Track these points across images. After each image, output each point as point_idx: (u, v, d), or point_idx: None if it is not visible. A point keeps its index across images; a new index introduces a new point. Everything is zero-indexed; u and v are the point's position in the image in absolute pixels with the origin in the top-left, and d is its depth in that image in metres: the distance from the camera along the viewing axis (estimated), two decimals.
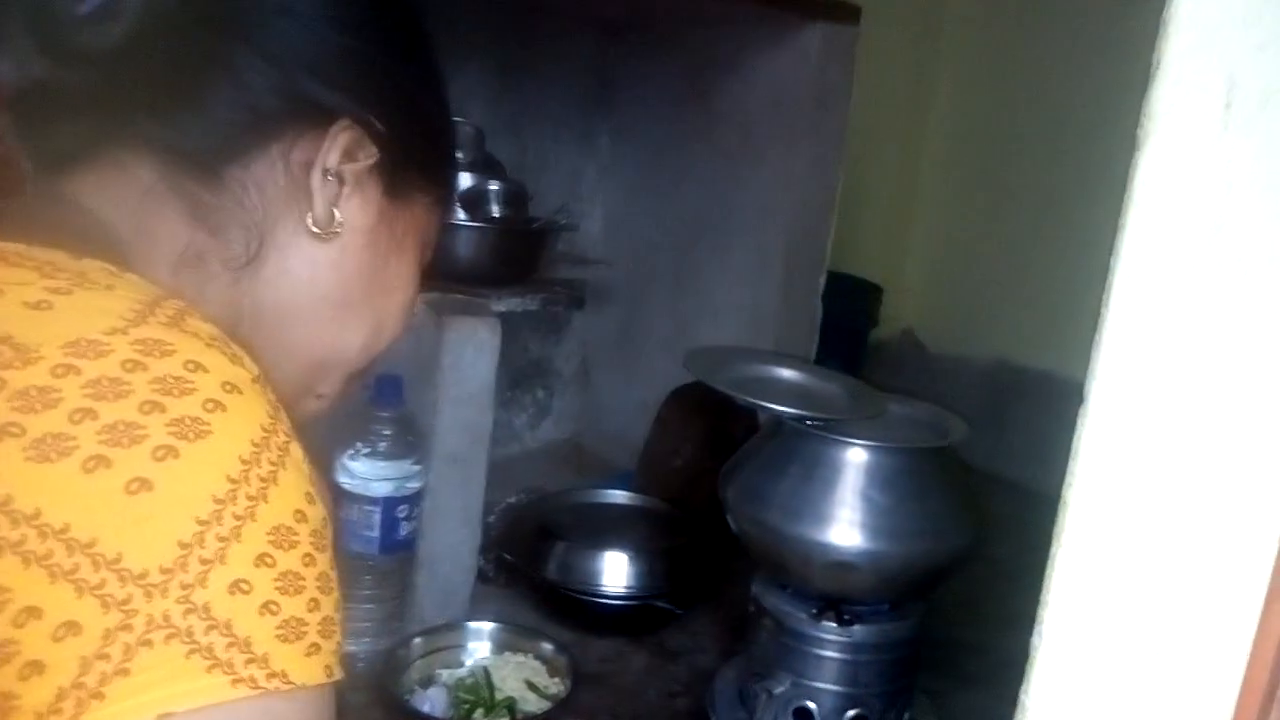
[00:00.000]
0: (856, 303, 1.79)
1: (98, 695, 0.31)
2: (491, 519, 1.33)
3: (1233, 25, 0.38)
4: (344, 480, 1.03)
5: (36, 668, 0.30)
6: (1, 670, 0.30)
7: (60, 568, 0.31)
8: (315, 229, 0.49)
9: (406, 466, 1.04)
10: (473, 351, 1.12)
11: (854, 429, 0.87)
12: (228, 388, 0.36)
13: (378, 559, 1.05)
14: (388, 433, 1.03)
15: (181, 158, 0.46)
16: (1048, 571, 0.44)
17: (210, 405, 0.35)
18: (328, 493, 0.62)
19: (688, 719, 1.05)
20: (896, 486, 0.84)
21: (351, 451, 1.03)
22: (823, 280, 1.53)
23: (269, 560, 0.35)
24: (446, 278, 1.17)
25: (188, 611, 0.32)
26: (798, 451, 0.88)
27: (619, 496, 1.35)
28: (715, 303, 1.58)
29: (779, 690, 0.90)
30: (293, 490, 0.37)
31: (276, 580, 0.35)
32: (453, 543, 1.15)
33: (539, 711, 0.98)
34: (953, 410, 0.95)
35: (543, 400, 1.80)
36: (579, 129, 1.73)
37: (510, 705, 0.99)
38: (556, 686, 1.03)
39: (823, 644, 0.88)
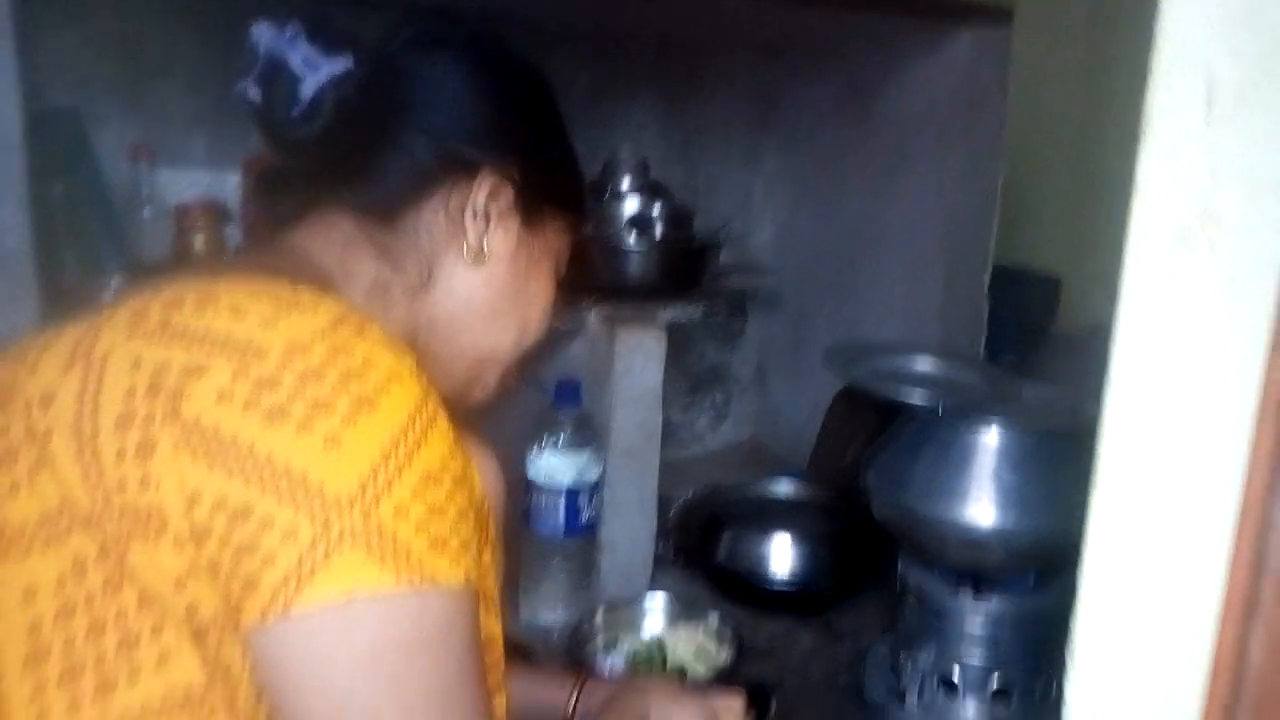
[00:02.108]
0: (1031, 297, 1.78)
1: (309, 579, 0.44)
2: (671, 511, 1.46)
3: (1210, 35, 0.44)
4: (533, 474, 1.18)
5: (270, 559, 0.44)
6: (249, 560, 0.45)
7: (284, 492, 0.45)
8: (469, 258, 0.64)
9: (585, 460, 1.18)
10: (642, 358, 1.25)
11: (985, 413, 0.92)
12: (392, 376, 0.50)
13: (563, 542, 1.19)
14: (568, 430, 1.17)
15: (369, 212, 0.62)
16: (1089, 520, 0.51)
17: (379, 388, 0.49)
18: (498, 470, 0.77)
19: (848, 693, 1.12)
20: (1024, 467, 0.88)
21: (538, 448, 1.18)
22: (987, 278, 1.54)
23: (421, 493, 0.48)
24: (618, 293, 1.31)
25: (366, 526, 0.45)
26: (931, 436, 0.94)
27: (786, 489, 1.44)
28: (879, 305, 1.64)
29: (924, 661, 0.96)
30: (437, 448, 0.50)
31: (427, 508, 0.48)
32: (630, 529, 1.28)
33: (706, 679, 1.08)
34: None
35: (721, 404, 1.91)
36: (745, 147, 1.83)
37: (681, 671, 1.10)
38: (723, 656, 1.13)
39: (963, 617, 0.94)
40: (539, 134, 0.70)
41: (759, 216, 1.86)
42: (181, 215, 1.20)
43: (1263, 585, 0.40)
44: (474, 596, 0.51)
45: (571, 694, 0.85)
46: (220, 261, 1.09)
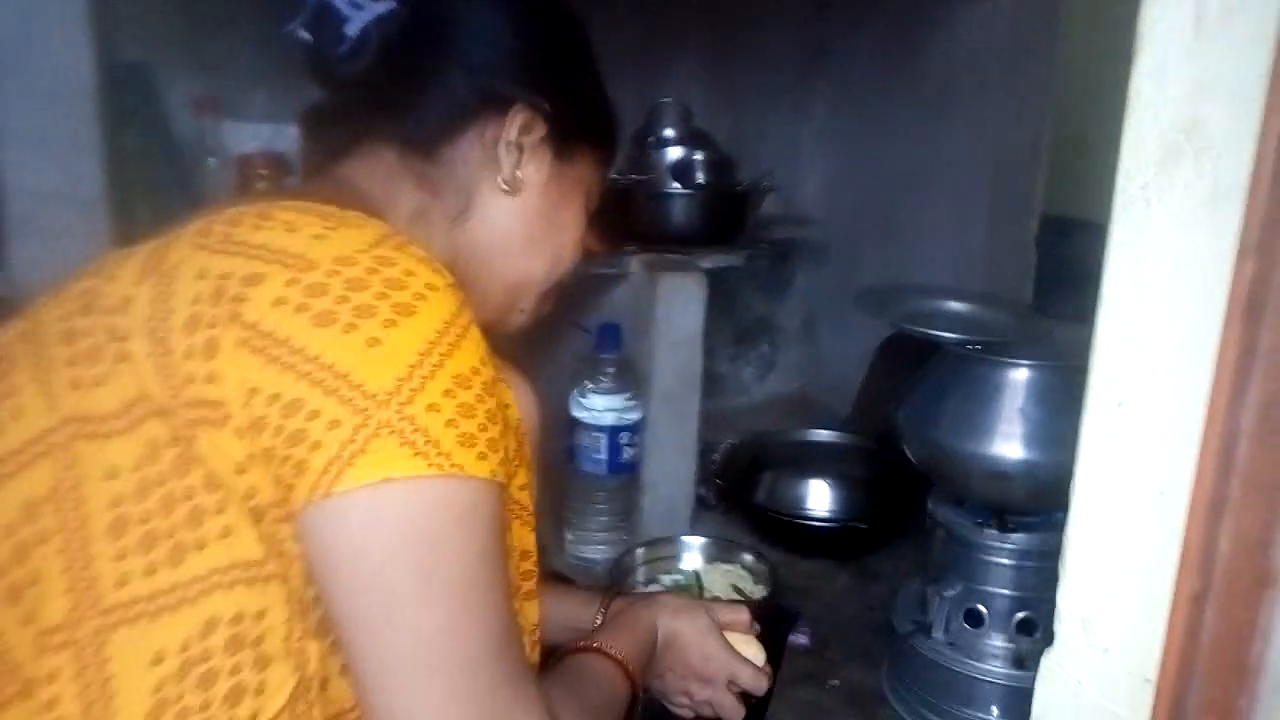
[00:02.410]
0: (1082, 247, 1.75)
1: (350, 464, 0.49)
2: (716, 456, 1.49)
3: None
4: (577, 413, 1.23)
5: (316, 446, 0.49)
6: (298, 447, 0.49)
7: (330, 387, 0.49)
8: (504, 187, 0.68)
9: (625, 400, 1.22)
10: (683, 303, 1.28)
11: (1012, 351, 0.93)
12: (429, 287, 0.54)
13: (606, 479, 1.24)
14: (610, 371, 1.21)
15: (411, 145, 0.66)
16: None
17: (417, 297, 0.53)
18: (535, 399, 0.81)
19: (880, 629, 1.15)
20: (1048, 402, 0.89)
21: (581, 389, 1.22)
22: (1034, 225, 1.53)
23: (452, 394, 0.52)
24: (660, 240, 1.34)
25: (401, 419, 0.50)
26: (960, 374, 0.96)
27: (826, 435, 1.46)
28: (925, 254, 1.64)
29: (951, 594, 0.99)
30: (469, 355, 0.54)
31: (457, 407, 0.52)
32: (671, 470, 1.32)
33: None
34: None
35: (768, 354, 1.93)
36: (795, 98, 1.83)
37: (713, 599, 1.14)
38: (759, 592, 1.17)
39: (989, 550, 0.96)
40: (571, 72, 0.73)
41: (808, 167, 1.86)
42: (244, 165, 1.26)
43: (1231, 485, 0.42)
44: (499, 491, 0.55)
45: (598, 610, 0.90)
46: (276, 193, 1.15)
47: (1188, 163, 0.46)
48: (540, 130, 0.69)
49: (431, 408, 0.50)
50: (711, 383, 1.88)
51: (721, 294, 1.83)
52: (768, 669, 0.91)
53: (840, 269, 1.83)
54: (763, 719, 0.95)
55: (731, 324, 1.88)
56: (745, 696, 0.90)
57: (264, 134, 1.33)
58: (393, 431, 0.49)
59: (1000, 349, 0.94)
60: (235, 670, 0.49)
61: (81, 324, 0.55)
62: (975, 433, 0.93)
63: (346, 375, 0.49)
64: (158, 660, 0.48)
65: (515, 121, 0.68)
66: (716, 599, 1.14)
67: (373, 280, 0.52)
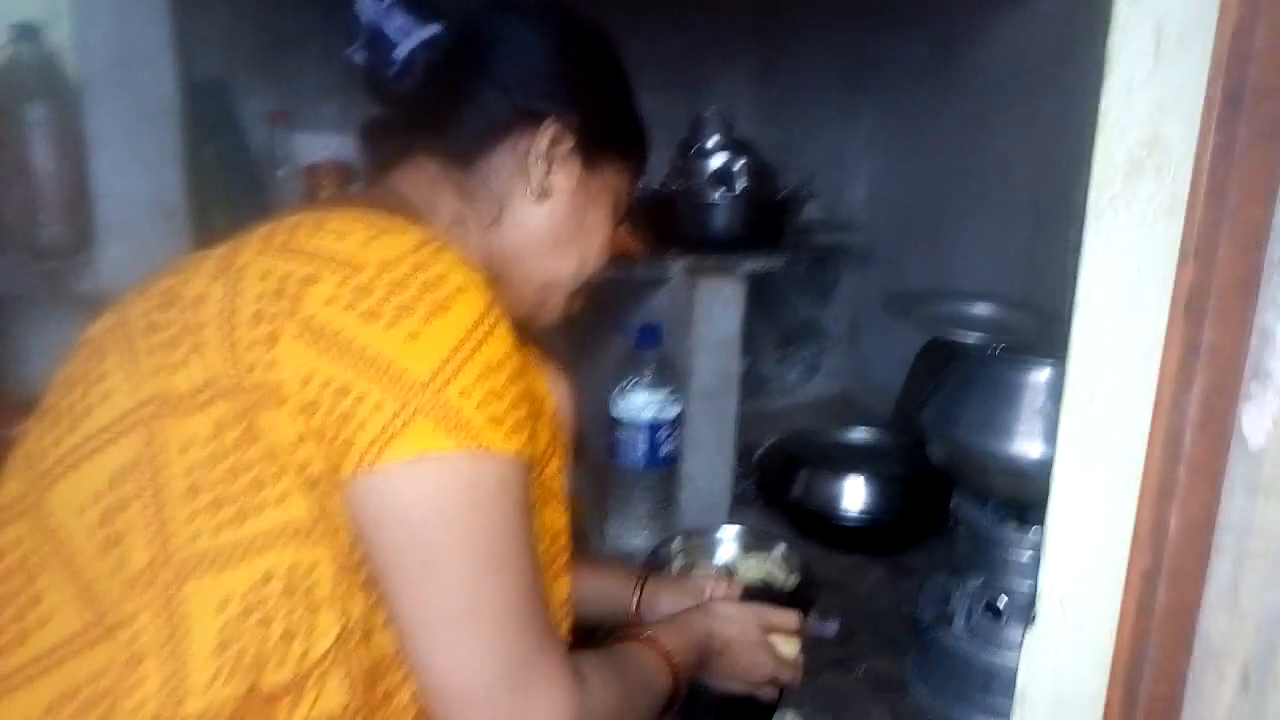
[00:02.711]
0: None
1: (390, 441, 0.55)
2: (756, 455, 1.54)
3: None
4: (616, 410, 1.29)
5: (362, 425, 0.55)
6: (346, 427, 0.56)
7: (374, 375, 0.56)
8: (534, 196, 0.74)
9: (664, 398, 1.27)
10: (722, 306, 1.33)
11: (1033, 353, 0.96)
12: (462, 288, 0.60)
13: (644, 473, 1.30)
14: (649, 370, 1.27)
15: (451, 157, 0.73)
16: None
17: (451, 296, 0.59)
18: (569, 391, 0.87)
19: (907, 621, 1.18)
20: None
21: (621, 386, 1.28)
22: (1078, 228, 1.54)
23: (482, 381, 0.58)
24: (701, 245, 1.39)
25: (435, 404, 0.56)
26: (982, 375, 0.99)
27: (863, 434, 1.50)
28: (968, 257, 1.66)
29: (972, 588, 1.02)
30: (498, 347, 0.60)
31: (487, 392, 0.58)
32: (709, 466, 1.38)
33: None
34: None
35: (813, 357, 1.97)
36: (840, 106, 1.87)
37: (727, 570, 1.19)
38: (790, 582, 1.21)
39: (1009, 545, 0.99)
40: (600, 88, 0.79)
41: (853, 174, 1.89)
42: (311, 174, 1.35)
43: (1178, 471, 0.46)
44: (524, 470, 0.61)
45: (635, 590, 0.96)
46: (334, 200, 1.23)
47: (1149, 177, 0.50)
48: (569, 142, 0.74)
49: (464, 393, 0.57)
50: (757, 384, 1.93)
51: (767, 298, 1.88)
52: (801, 658, 0.96)
53: (884, 273, 1.86)
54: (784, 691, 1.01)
55: (777, 327, 1.92)
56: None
57: (331, 144, 1.42)
58: (428, 414, 0.56)
59: (1021, 350, 0.98)
60: (288, 614, 0.56)
61: (162, 318, 0.62)
62: (996, 432, 0.97)
63: (389, 365, 0.56)
64: (224, 604, 0.55)
65: (546, 135, 0.73)
66: (729, 570, 1.19)
67: (413, 281, 0.58)
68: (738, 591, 1.02)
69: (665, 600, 0.97)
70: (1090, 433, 0.55)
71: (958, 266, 1.68)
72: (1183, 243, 0.44)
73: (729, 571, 1.24)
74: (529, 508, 0.62)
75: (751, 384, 1.92)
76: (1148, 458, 0.47)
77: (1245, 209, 0.42)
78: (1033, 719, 0.60)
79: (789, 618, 0.97)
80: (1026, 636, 0.61)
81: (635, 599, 0.96)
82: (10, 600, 0.59)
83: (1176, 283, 0.45)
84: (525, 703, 0.59)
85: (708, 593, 0.99)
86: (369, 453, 0.55)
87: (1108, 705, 0.50)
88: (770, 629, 0.95)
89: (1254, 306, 0.42)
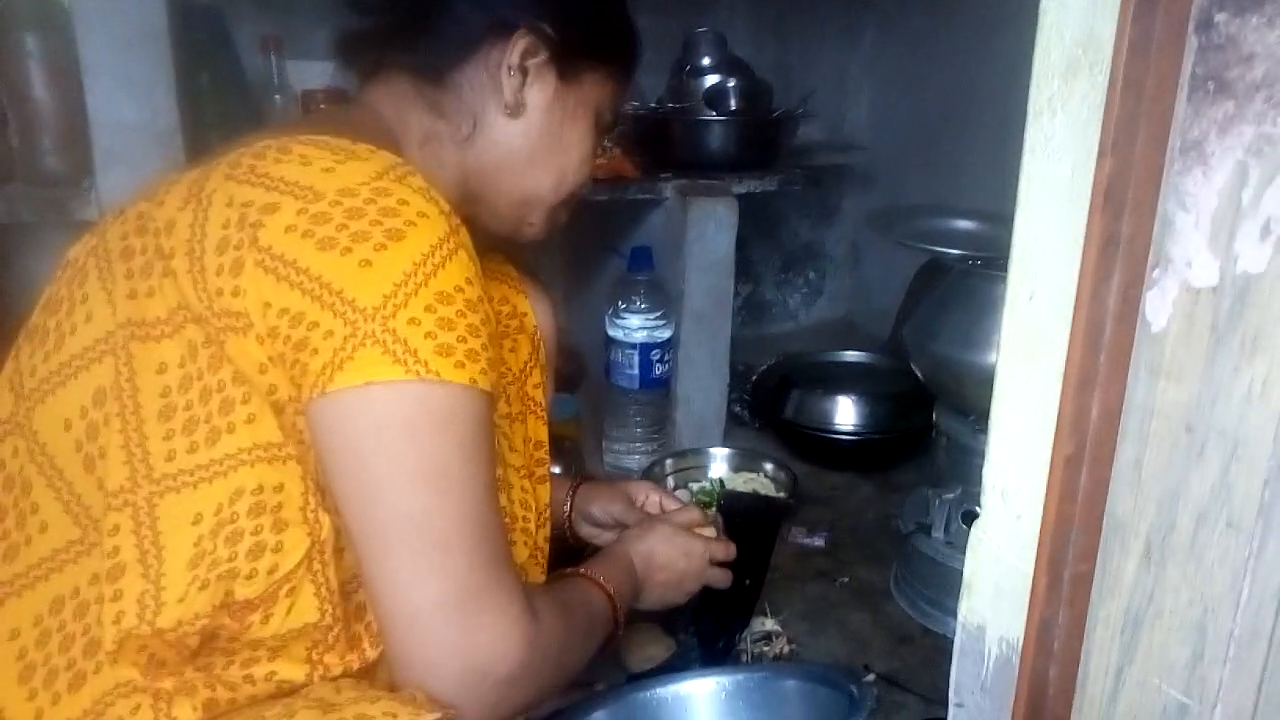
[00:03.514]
0: None
1: (340, 368, 0.57)
2: (754, 378, 1.56)
3: None
4: (611, 331, 1.31)
5: (315, 352, 0.57)
6: (302, 353, 0.57)
7: (326, 302, 0.57)
8: (508, 111, 0.74)
9: (656, 319, 1.29)
10: (714, 227, 1.34)
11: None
12: (420, 215, 0.60)
13: (638, 393, 1.32)
14: (641, 292, 1.29)
15: (422, 72, 0.73)
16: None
17: (408, 223, 0.59)
18: (551, 309, 0.88)
19: (893, 533, 1.21)
20: None
21: (615, 309, 1.30)
22: None
23: (432, 309, 0.58)
24: (695, 166, 1.40)
25: (384, 331, 0.57)
26: (958, 288, 1.00)
27: (855, 355, 1.51)
28: (969, 177, 1.65)
29: (950, 496, 1.05)
30: (454, 275, 0.60)
31: (437, 320, 0.58)
32: (703, 387, 1.40)
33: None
34: None
35: (815, 281, 1.98)
36: (842, 25, 1.84)
37: (720, 483, 1.23)
38: (784, 500, 1.25)
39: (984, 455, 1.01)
40: None
41: (854, 94, 1.88)
42: (307, 101, 1.36)
43: (1099, 361, 0.48)
44: (481, 398, 0.61)
45: (568, 492, 0.99)
46: (309, 116, 1.24)
47: (1084, 74, 0.51)
48: (543, 54, 0.73)
49: (412, 321, 0.58)
50: (759, 309, 1.95)
51: (768, 221, 1.88)
52: (725, 538, 0.96)
53: (886, 195, 1.86)
54: (759, 591, 1.03)
55: (779, 251, 1.93)
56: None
57: (326, 70, 1.43)
58: (376, 341, 0.57)
59: (998, 263, 0.98)
60: (256, 531, 0.58)
61: (136, 243, 0.63)
62: (973, 343, 0.99)
63: (340, 292, 0.57)
64: (196, 520, 0.57)
65: (518, 46, 0.72)
66: (721, 482, 1.22)
67: (369, 209, 0.59)
68: (671, 487, 1.01)
69: (595, 507, 0.98)
70: (1029, 330, 0.56)
71: (960, 186, 1.67)
72: (1101, 136, 0.45)
73: (721, 485, 1.28)
74: (485, 436, 0.62)
75: (754, 309, 1.94)
76: (1070, 347, 0.49)
77: (1160, 102, 0.43)
78: (978, 609, 0.63)
79: (690, 511, 0.97)
80: (973, 529, 0.64)
81: (568, 504, 0.98)
82: (10, 509, 0.62)
83: (1096, 176, 0.46)
84: (473, 630, 0.59)
85: (639, 500, 0.99)
86: (320, 378, 0.57)
87: (1033, 587, 0.53)
88: (685, 525, 0.94)
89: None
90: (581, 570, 0.82)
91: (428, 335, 0.58)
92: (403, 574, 0.58)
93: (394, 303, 0.58)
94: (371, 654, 0.63)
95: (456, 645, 0.59)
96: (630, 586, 0.85)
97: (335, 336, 0.57)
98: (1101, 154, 0.46)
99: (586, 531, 1.00)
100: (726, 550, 0.94)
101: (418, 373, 0.57)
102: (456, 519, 0.60)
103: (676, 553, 0.89)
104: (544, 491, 0.83)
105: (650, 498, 1.00)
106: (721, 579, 0.93)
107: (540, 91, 0.75)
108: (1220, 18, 0.40)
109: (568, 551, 1.00)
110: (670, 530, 0.91)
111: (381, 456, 0.58)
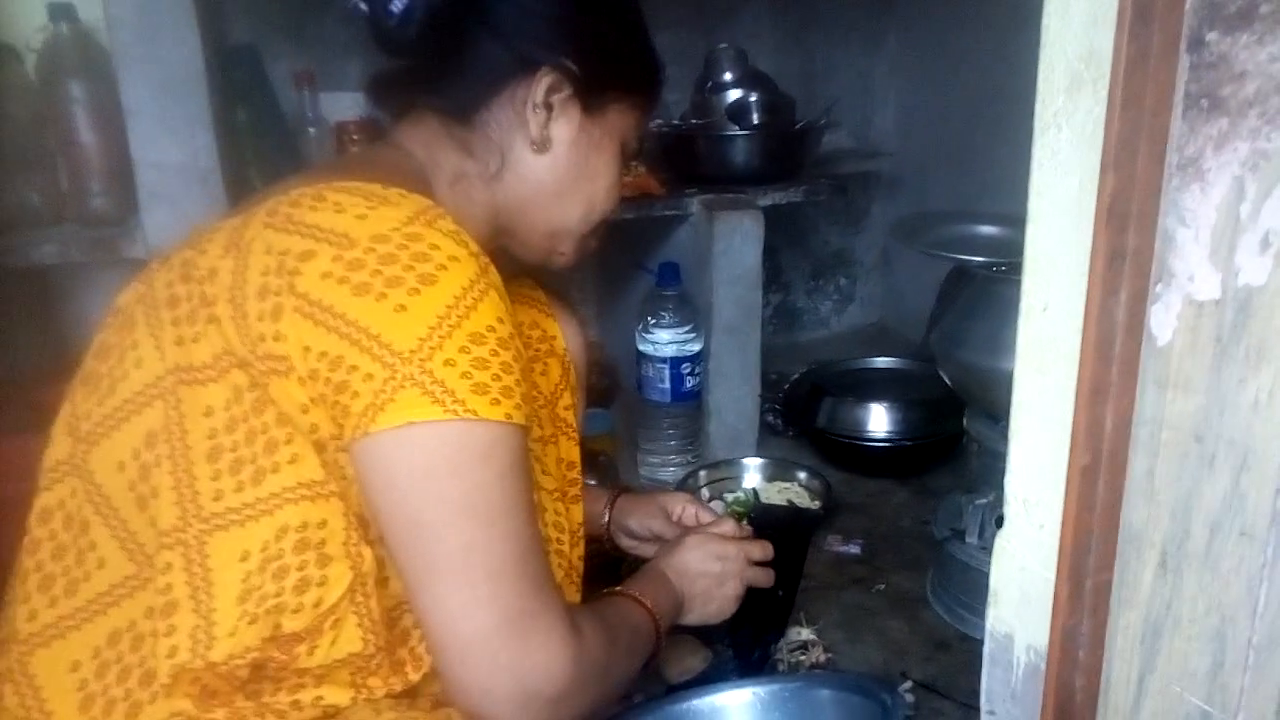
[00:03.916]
0: None
1: (381, 409, 0.59)
2: (786, 387, 1.57)
3: None
4: (641, 346, 1.33)
5: (355, 395, 0.59)
6: (343, 396, 0.60)
7: (364, 346, 0.59)
8: (534, 146, 0.75)
9: (686, 333, 1.31)
10: (740, 240, 1.36)
11: None
12: (450, 259, 0.62)
13: (670, 406, 1.34)
14: (670, 307, 1.31)
15: (450, 112, 0.74)
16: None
17: (439, 268, 0.61)
18: (580, 331, 0.90)
19: (931, 542, 1.21)
20: None
21: (644, 324, 1.32)
22: None
23: (467, 350, 0.60)
24: (720, 181, 1.41)
25: (422, 373, 0.59)
26: (983, 294, 1.01)
27: (886, 362, 1.51)
28: (997, 180, 1.64)
29: (982, 501, 1.05)
30: (486, 315, 0.62)
31: (471, 361, 0.60)
32: (735, 398, 1.41)
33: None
34: None
35: (846, 288, 1.98)
36: (866, 32, 1.85)
37: (754, 493, 1.24)
38: (815, 508, 1.26)
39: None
40: (600, 28, 0.78)
41: (880, 101, 1.88)
42: (341, 132, 1.40)
43: (1111, 371, 0.49)
44: (517, 433, 0.62)
45: (606, 509, 1.01)
46: (343, 157, 1.27)
47: (1088, 90, 0.51)
48: (567, 89, 0.74)
49: (448, 363, 0.60)
50: (790, 317, 1.95)
51: (797, 230, 1.89)
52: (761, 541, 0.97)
53: (914, 200, 1.85)
54: (794, 600, 1.05)
55: (809, 259, 1.93)
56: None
57: (358, 103, 1.46)
58: (415, 383, 0.59)
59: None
60: (302, 566, 0.61)
61: (182, 290, 0.66)
62: (1000, 349, 0.98)
63: (377, 336, 0.59)
64: (244, 557, 0.60)
65: (542, 83, 0.73)
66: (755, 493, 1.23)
67: (402, 254, 0.61)
68: (706, 498, 1.02)
69: (633, 520, 1.00)
70: (1044, 341, 0.57)
71: (988, 190, 1.66)
72: (1103, 152, 0.46)
73: (755, 495, 1.29)
74: (523, 467, 0.64)
75: (785, 317, 1.95)
76: (1082, 360, 0.49)
77: (1158, 118, 0.44)
78: (1005, 618, 0.63)
79: (722, 523, 0.97)
80: (997, 539, 0.64)
81: (606, 515, 1.00)
82: (69, 547, 0.65)
83: (1099, 191, 0.47)
84: (523, 653, 0.61)
85: (675, 513, 1.01)
86: (363, 420, 0.59)
87: (1056, 596, 0.53)
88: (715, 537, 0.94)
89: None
90: (620, 589, 0.83)
91: (463, 375, 0.60)
92: (453, 604, 0.61)
93: (429, 345, 0.60)
94: (414, 676, 0.66)
95: (508, 669, 0.61)
96: (670, 600, 0.87)
97: (375, 380, 0.59)
98: (1104, 169, 0.46)
99: (626, 543, 1.02)
100: (763, 549, 0.95)
101: (455, 412, 0.59)
102: (502, 548, 0.62)
103: (710, 558, 0.91)
104: (577, 511, 0.85)
105: (686, 510, 1.01)
106: (762, 578, 0.94)
107: (566, 125, 0.76)
108: (1211, 36, 0.41)
109: (607, 562, 1.02)
110: (701, 539, 0.92)
111: (430, 496, 0.60)
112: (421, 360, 0.59)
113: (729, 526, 0.96)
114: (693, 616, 0.90)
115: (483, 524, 0.61)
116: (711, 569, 0.90)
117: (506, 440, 0.62)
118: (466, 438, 0.61)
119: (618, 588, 0.84)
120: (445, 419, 0.59)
